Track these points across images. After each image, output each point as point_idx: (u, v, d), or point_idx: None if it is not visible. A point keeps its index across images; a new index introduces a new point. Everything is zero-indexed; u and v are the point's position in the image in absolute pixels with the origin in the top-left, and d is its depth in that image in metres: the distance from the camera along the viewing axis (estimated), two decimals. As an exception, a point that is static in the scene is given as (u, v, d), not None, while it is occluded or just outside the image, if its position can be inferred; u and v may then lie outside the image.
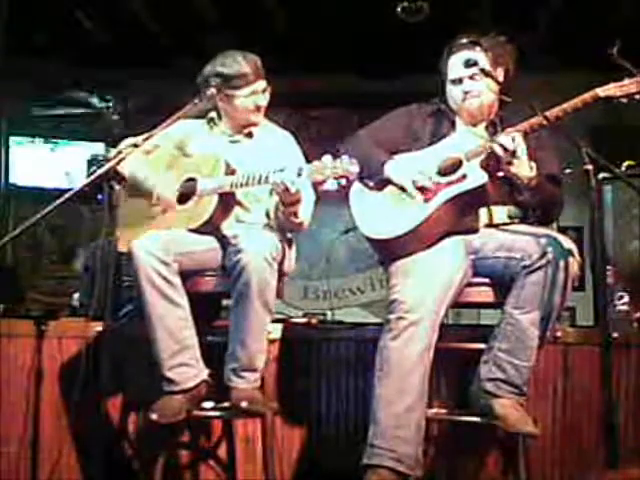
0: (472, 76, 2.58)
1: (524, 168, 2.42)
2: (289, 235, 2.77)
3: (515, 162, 2.39)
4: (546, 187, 2.52)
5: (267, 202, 2.77)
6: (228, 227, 2.71)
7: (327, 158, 2.38)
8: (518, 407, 2.37)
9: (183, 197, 2.73)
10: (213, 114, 2.88)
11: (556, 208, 2.63)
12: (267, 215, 2.78)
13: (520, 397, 2.40)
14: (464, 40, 2.61)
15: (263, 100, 2.81)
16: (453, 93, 2.65)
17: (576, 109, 2.38)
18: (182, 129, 2.84)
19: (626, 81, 2.36)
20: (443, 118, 2.71)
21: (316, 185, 2.43)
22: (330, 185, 2.38)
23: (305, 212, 2.68)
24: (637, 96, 2.35)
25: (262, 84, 2.78)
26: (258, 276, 2.44)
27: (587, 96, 2.39)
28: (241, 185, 2.61)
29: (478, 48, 2.57)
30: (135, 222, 2.73)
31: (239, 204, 2.76)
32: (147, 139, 2.50)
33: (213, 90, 2.67)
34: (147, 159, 2.83)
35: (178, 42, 5.18)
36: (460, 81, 2.61)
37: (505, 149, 2.38)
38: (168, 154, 2.85)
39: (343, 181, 2.37)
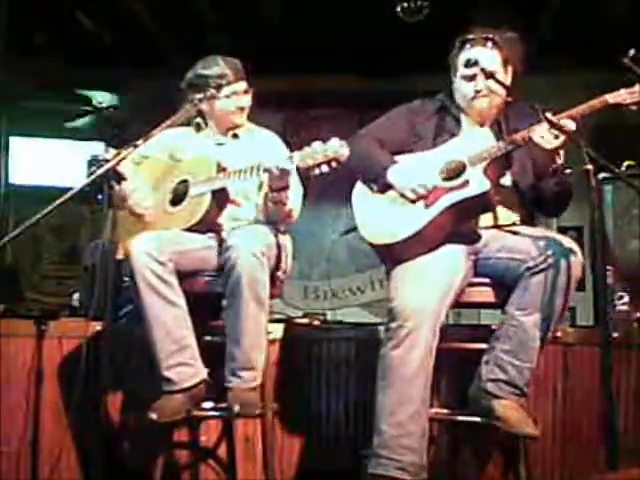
0: (485, 74, 2.52)
1: (558, 156, 2.42)
2: (283, 229, 2.78)
3: (552, 151, 2.38)
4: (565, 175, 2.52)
5: (256, 199, 2.80)
6: (224, 225, 2.74)
7: (317, 143, 2.41)
8: (519, 408, 2.36)
9: (177, 199, 2.77)
10: (199, 120, 2.92)
11: (570, 198, 2.61)
12: (257, 211, 2.80)
13: (521, 398, 2.39)
14: (477, 35, 2.57)
15: (245, 102, 2.85)
16: (463, 90, 2.61)
17: (584, 115, 2.37)
18: (172, 138, 2.89)
19: (636, 87, 2.34)
20: (447, 115, 2.68)
21: (309, 170, 2.44)
22: (323, 169, 2.40)
23: (293, 201, 2.70)
24: None
25: (243, 85, 2.82)
26: (248, 272, 2.45)
27: (596, 102, 2.37)
28: (234, 179, 2.63)
29: (490, 44, 2.54)
30: (131, 229, 2.75)
31: (232, 202, 2.78)
32: (145, 140, 2.51)
33: (198, 96, 2.71)
34: (136, 170, 2.87)
35: (178, 42, 5.18)
36: (472, 78, 2.57)
37: (561, 130, 2.33)
38: (161, 164, 2.90)
39: (334, 164, 2.39)
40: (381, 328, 2.49)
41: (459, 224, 2.52)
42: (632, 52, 2.21)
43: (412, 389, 2.32)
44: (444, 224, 2.50)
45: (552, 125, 2.31)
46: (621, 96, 2.35)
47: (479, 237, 2.56)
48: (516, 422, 2.33)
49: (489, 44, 2.54)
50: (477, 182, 2.46)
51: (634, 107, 2.35)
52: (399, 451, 2.30)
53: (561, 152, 2.44)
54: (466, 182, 2.48)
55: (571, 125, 2.34)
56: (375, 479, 2.32)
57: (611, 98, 2.36)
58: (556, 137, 2.35)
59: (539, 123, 2.36)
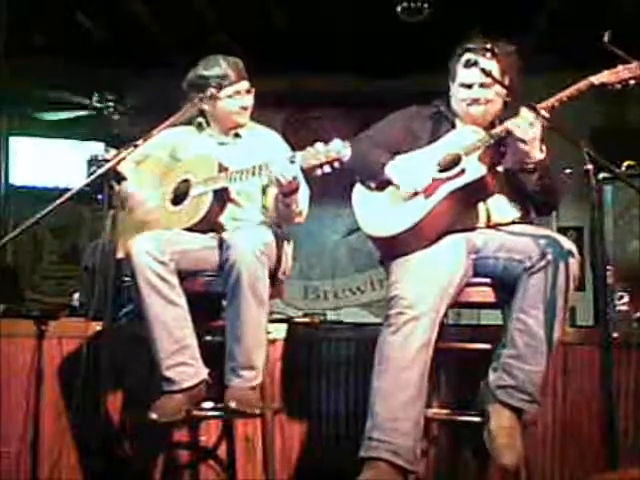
0: (482, 83, 2.57)
1: (536, 149, 2.43)
2: (284, 230, 2.79)
3: (528, 142, 2.39)
4: (551, 172, 2.53)
5: (259, 200, 2.80)
6: (225, 225, 2.74)
7: (319, 144, 2.42)
8: (513, 434, 2.31)
9: (178, 199, 2.77)
10: (201, 119, 2.91)
11: (557, 195, 2.62)
12: (262, 212, 2.81)
13: (532, 405, 2.36)
14: (477, 45, 2.59)
15: (247, 101, 2.84)
16: (460, 95, 2.64)
17: (571, 98, 2.41)
18: (173, 137, 2.89)
19: (620, 67, 2.40)
20: (443, 119, 2.71)
21: (311, 171, 2.44)
22: (325, 170, 2.42)
23: (303, 201, 2.71)
24: (631, 82, 2.39)
25: (245, 85, 2.81)
26: (248, 271, 2.45)
27: (582, 84, 2.43)
28: (235, 179, 2.63)
29: (489, 54, 2.56)
30: (131, 228, 2.75)
31: (233, 202, 2.78)
32: (145, 140, 2.51)
33: (200, 95, 2.71)
34: (137, 169, 2.87)
35: (178, 42, 5.18)
36: (470, 86, 2.61)
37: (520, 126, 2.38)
38: (162, 163, 2.90)
39: (337, 164, 2.41)
40: (381, 328, 2.49)
41: (458, 215, 2.53)
42: (606, 35, 2.27)
43: (408, 375, 2.29)
44: (444, 214, 2.51)
45: (533, 110, 2.33)
46: (605, 76, 2.40)
47: (476, 227, 2.57)
48: (498, 447, 2.28)
49: (488, 54, 2.57)
50: (473, 169, 2.49)
51: (618, 85, 2.40)
52: (392, 434, 2.26)
53: (543, 147, 2.46)
54: (462, 170, 2.51)
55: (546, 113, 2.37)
56: (366, 463, 2.26)
57: (596, 80, 2.41)
58: (531, 125, 2.37)
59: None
